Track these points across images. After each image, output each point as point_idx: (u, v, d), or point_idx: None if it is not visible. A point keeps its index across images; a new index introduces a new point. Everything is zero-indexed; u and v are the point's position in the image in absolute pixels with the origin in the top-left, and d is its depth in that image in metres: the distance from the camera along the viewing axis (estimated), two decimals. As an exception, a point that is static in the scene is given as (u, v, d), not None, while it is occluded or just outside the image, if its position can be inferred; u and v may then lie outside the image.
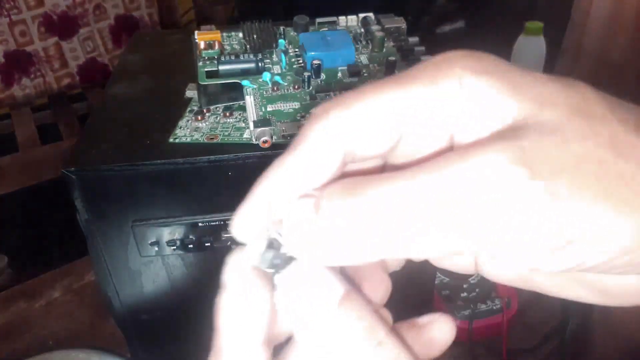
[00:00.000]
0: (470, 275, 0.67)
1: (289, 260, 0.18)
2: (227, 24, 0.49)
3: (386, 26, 0.51)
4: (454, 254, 0.16)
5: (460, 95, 0.16)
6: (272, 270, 0.18)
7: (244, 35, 0.50)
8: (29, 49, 1.47)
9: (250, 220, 0.19)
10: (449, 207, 0.14)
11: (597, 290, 0.19)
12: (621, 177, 0.14)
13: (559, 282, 0.19)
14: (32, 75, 1.50)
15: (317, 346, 0.17)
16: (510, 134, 0.15)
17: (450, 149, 0.17)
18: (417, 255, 0.16)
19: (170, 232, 0.43)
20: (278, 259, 0.18)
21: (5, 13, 1.41)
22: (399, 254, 0.15)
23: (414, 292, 0.50)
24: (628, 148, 0.15)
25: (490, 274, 0.21)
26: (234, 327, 0.18)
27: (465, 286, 0.65)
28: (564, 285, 0.19)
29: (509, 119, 0.16)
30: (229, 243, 0.43)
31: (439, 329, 0.20)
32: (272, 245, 0.18)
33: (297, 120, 0.41)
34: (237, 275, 0.18)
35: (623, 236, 0.14)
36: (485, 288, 0.65)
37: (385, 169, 0.20)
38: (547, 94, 0.16)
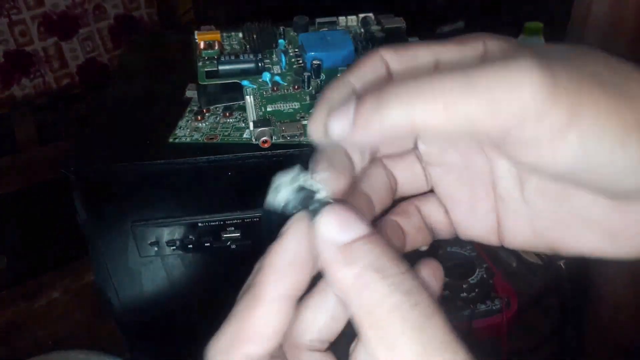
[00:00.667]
0: (470, 276, 0.67)
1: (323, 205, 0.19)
2: (227, 24, 0.49)
3: (386, 26, 0.51)
4: (467, 129, 0.17)
5: (485, 50, 0.20)
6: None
7: (243, 35, 0.50)
8: (28, 49, 1.47)
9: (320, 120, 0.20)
10: (473, 81, 0.17)
11: (608, 233, 0.21)
12: (611, 82, 0.17)
13: (572, 231, 0.21)
14: (32, 75, 1.50)
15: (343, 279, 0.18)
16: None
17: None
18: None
19: (169, 232, 0.43)
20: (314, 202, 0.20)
21: (5, 13, 1.41)
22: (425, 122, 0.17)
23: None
24: (617, 67, 0.18)
25: (510, 235, 0.24)
26: (279, 276, 0.19)
27: (465, 286, 0.65)
28: (576, 233, 0.21)
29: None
30: (228, 243, 0.43)
31: (427, 275, 0.21)
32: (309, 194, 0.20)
33: (297, 121, 0.41)
34: (297, 229, 0.20)
35: (613, 125, 0.17)
36: (485, 288, 0.65)
37: None
38: (555, 47, 0.19)
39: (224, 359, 0.19)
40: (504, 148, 0.19)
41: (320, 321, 0.21)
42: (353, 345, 0.20)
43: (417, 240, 0.24)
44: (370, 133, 0.18)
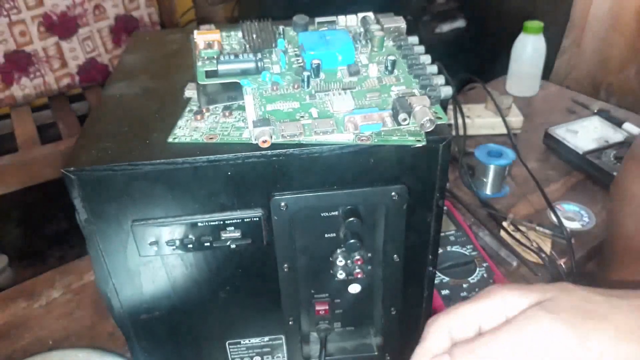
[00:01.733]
0: (471, 275, 0.67)
1: None
2: (227, 23, 0.49)
3: (386, 26, 0.51)
4: None
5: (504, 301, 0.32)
6: None
7: (243, 34, 0.50)
8: (28, 49, 1.47)
9: None
10: (519, 346, 0.29)
11: None
12: (591, 311, 0.30)
13: None
14: (32, 75, 1.51)
15: None
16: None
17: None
18: None
19: (169, 232, 0.43)
20: None
21: (5, 13, 1.41)
22: None
23: (414, 291, 0.50)
24: (590, 298, 0.31)
25: None
26: None
27: (465, 286, 0.65)
28: None
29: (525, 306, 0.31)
30: (228, 243, 0.43)
31: None
32: None
33: (297, 120, 0.41)
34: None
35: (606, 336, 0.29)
36: (485, 287, 0.65)
37: None
38: (547, 288, 0.32)
39: None
40: None
41: None
42: None
43: None
44: None
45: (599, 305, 0.30)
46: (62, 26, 1.53)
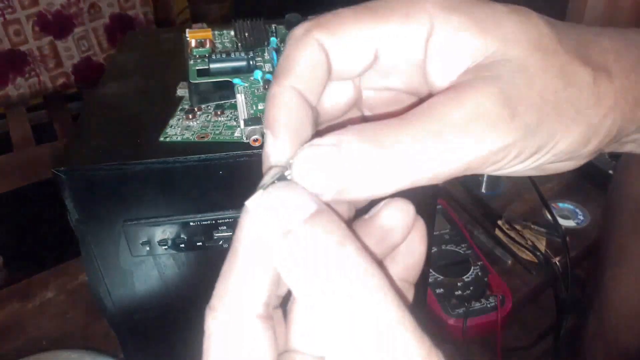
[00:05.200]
0: (465, 274, 0.67)
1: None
2: (222, 22, 0.49)
3: (378, 24, 0.51)
4: (443, 179, 0.19)
5: (432, 34, 0.19)
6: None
7: (235, 33, 0.50)
8: (23, 48, 1.47)
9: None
10: (453, 144, 0.18)
11: (540, 170, 0.23)
12: (568, 101, 0.19)
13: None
14: (27, 75, 1.50)
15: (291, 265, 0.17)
16: (486, 74, 0.19)
17: (426, 93, 0.21)
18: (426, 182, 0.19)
19: (161, 232, 0.42)
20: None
21: (0, 12, 1.40)
22: (409, 185, 0.18)
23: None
24: (572, 76, 0.19)
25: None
26: (250, 250, 0.19)
27: (459, 284, 0.65)
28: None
29: (480, 57, 0.19)
30: (220, 242, 0.43)
31: (388, 217, 0.21)
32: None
33: (289, 119, 0.41)
34: (263, 208, 0.19)
35: (571, 141, 0.20)
36: (480, 286, 0.65)
37: (366, 119, 0.24)
38: (509, 31, 0.19)
39: (214, 318, 0.19)
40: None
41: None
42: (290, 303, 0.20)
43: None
44: (353, 198, 0.18)
45: (580, 90, 0.20)
46: (57, 25, 1.53)
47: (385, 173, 0.18)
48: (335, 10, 0.20)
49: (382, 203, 0.21)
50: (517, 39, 0.19)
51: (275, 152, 0.20)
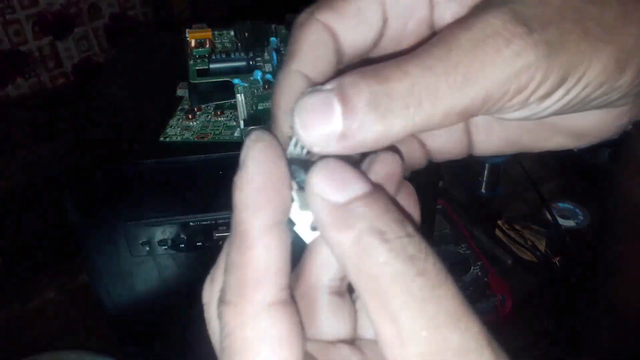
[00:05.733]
0: (465, 274, 0.67)
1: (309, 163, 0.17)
2: (222, 22, 0.50)
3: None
4: (465, 115, 0.16)
5: None
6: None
7: (235, 33, 0.50)
8: (23, 48, 1.46)
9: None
10: (465, 68, 0.16)
11: (572, 134, 0.22)
12: (592, 19, 0.17)
13: (541, 136, 0.22)
14: (27, 75, 1.50)
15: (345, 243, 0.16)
16: (494, 2, 0.17)
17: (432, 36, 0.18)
18: (437, 124, 0.17)
19: (161, 232, 0.42)
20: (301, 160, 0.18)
21: (0, 12, 1.40)
22: (425, 125, 0.16)
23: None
24: None
25: (481, 147, 0.23)
26: (256, 206, 0.17)
27: (459, 284, 0.65)
28: (545, 137, 0.22)
29: None
30: (220, 242, 0.43)
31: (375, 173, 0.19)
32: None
33: (288, 119, 0.41)
34: (264, 155, 0.17)
35: (603, 65, 0.17)
36: (479, 286, 0.65)
37: None
38: None
39: (236, 314, 0.17)
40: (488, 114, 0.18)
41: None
42: (292, 279, 0.18)
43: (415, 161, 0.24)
44: (363, 145, 0.16)
45: (603, 7, 0.17)
46: (57, 25, 1.53)
47: (392, 109, 0.16)
48: None
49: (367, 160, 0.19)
50: None
51: (283, 133, 0.19)
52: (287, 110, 0.18)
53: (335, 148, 0.16)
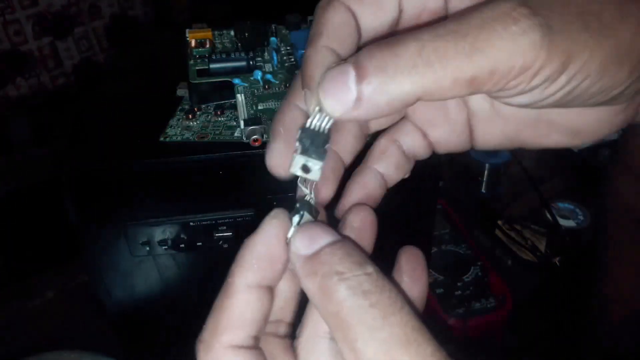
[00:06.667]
0: (465, 274, 0.67)
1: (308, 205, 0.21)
2: (222, 22, 0.50)
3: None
4: (474, 85, 0.18)
5: None
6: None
7: (235, 33, 0.50)
8: (23, 48, 1.46)
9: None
10: (473, 38, 0.17)
11: (570, 132, 0.23)
12: (592, 14, 0.18)
13: (540, 132, 0.23)
14: (27, 75, 1.50)
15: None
16: None
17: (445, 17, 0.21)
18: (445, 93, 0.18)
19: (161, 232, 0.42)
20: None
21: (0, 12, 1.40)
22: (434, 89, 0.17)
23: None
24: None
25: (482, 141, 0.25)
26: (248, 267, 0.20)
27: (459, 284, 0.65)
28: (543, 134, 0.23)
29: None
30: (220, 242, 0.43)
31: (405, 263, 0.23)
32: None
33: (288, 119, 0.41)
34: (272, 228, 0.20)
35: (603, 56, 0.18)
36: (480, 286, 0.65)
37: None
38: None
39: (207, 351, 0.20)
40: (494, 96, 0.20)
41: (276, 303, 0.22)
42: (299, 330, 0.21)
43: (398, 175, 0.25)
44: (377, 110, 0.18)
45: (603, 4, 0.19)
46: (57, 26, 1.53)
47: (401, 70, 0.17)
48: None
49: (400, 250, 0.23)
50: None
51: (312, 105, 0.20)
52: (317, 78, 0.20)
53: (352, 113, 0.18)
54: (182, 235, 0.43)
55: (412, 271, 0.22)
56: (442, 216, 0.76)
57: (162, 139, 0.41)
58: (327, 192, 0.23)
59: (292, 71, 0.45)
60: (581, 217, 0.80)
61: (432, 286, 0.65)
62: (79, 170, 0.39)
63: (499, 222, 0.77)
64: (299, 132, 0.20)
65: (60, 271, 0.76)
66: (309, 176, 0.20)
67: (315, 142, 0.20)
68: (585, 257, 0.75)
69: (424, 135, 0.25)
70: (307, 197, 0.21)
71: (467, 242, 0.71)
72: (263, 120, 0.40)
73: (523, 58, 0.17)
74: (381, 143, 0.25)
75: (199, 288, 0.47)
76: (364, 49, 0.18)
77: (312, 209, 0.21)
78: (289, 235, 0.20)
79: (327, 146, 0.20)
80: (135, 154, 0.40)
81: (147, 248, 0.43)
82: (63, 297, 0.72)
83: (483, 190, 0.87)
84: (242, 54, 0.45)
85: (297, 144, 0.20)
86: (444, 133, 0.25)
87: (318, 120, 0.20)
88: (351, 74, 0.18)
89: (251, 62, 0.45)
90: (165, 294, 0.47)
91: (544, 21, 0.17)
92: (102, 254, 0.44)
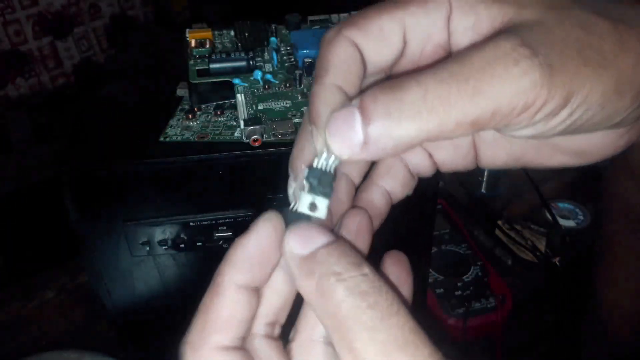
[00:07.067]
0: (465, 274, 0.67)
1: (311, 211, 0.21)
2: (223, 23, 0.50)
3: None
4: (477, 126, 0.18)
5: (451, 12, 0.20)
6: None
7: (235, 33, 0.50)
8: (23, 48, 1.46)
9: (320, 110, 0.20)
10: (475, 81, 0.17)
11: (574, 153, 0.23)
12: (591, 47, 0.19)
13: (545, 154, 0.24)
14: (27, 75, 1.50)
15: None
16: (505, 31, 0.19)
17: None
18: (449, 133, 0.18)
19: (161, 232, 0.42)
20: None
21: (0, 12, 1.40)
22: (438, 132, 0.18)
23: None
24: (591, 26, 0.19)
25: (487, 161, 0.25)
26: (238, 267, 0.20)
27: (459, 284, 0.65)
28: (548, 155, 0.24)
29: (497, 24, 0.20)
30: (220, 242, 0.43)
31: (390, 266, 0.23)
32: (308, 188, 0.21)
33: (289, 119, 0.41)
34: (264, 229, 0.20)
35: (603, 89, 0.19)
36: (480, 286, 0.65)
37: None
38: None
39: (194, 352, 0.19)
40: (497, 130, 0.20)
41: (272, 305, 0.22)
42: (292, 333, 0.21)
43: (403, 192, 0.25)
44: (382, 152, 0.18)
45: (601, 38, 0.19)
46: (57, 25, 1.53)
47: (406, 115, 0.17)
48: (360, 10, 0.21)
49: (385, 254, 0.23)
50: (531, 3, 0.20)
51: (319, 144, 0.21)
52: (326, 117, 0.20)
53: (359, 155, 0.18)
54: (182, 235, 0.43)
55: (397, 275, 0.23)
56: (442, 216, 0.76)
57: (162, 139, 0.41)
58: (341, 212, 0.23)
59: (292, 71, 0.45)
60: (581, 217, 0.80)
61: (432, 286, 0.65)
62: (79, 170, 0.39)
63: (499, 222, 0.77)
64: (307, 170, 0.21)
65: (60, 271, 0.76)
66: (316, 214, 0.21)
67: (322, 181, 0.20)
68: (585, 257, 0.75)
69: (430, 155, 0.25)
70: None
71: (467, 242, 0.72)
72: (263, 120, 0.40)
73: (525, 98, 0.18)
74: (387, 160, 0.25)
75: (199, 288, 0.47)
76: (369, 91, 0.18)
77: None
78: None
79: (333, 184, 0.21)
80: (135, 154, 0.40)
81: (147, 248, 0.43)
82: (63, 297, 0.72)
83: (483, 190, 0.87)
84: (242, 54, 0.45)
85: (305, 182, 0.21)
86: (450, 154, 0.25)
87: (325, 160, 0.20)
88: (357, 117, 0.18)
89: (251, 62, 0.45)
90: (165, 294, 0.47)
91: (544, 60, 0.18)
92: (102, 254, 0.44)
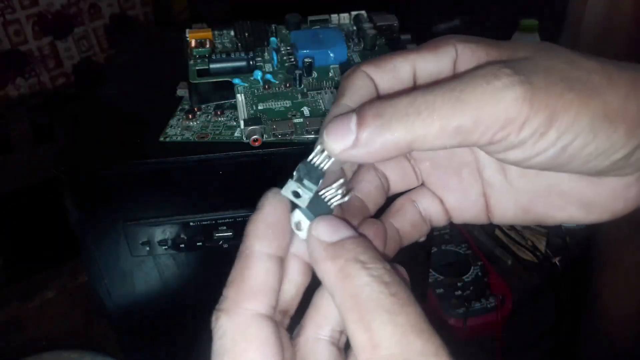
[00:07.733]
0: (465, 274, 0.67)
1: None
2: (222, 22, 0.50)
3: (378, 24, 0.51)
4: (460, 134, 0.20)
5: (457, 57, 0.23)
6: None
7: (235, 33, 0.50)
8: (23, 48, 1.46)
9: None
10: (459, 92, 0.19)
11: (583, 205, 0.24)
12: (579, 80, 0.20)
13: (554, 205, 0.25)
14: (27, 75, 1.50)
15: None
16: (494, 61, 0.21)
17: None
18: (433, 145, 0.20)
19: (161, 232, 0.42)
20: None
21: (0, 12, 1.40)
22: (423, 136, 0.20)
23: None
24: (578, 63, 0.21)
25: (499, 213, 0.26)
26: (263, 237, 0.21)
27: (459, 284, 0.65)
28: (557, 206, 0.25)
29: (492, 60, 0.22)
30: (220, 242, 0.43)
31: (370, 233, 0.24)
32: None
33: (288, 119, 0.41)
34: (274, 202, 0.22)
35: (592, 116, 0.20)
36: (480, 286, 0.65)
37: None
38: (519, 45, 0.22)
39: (230, 319, 0.20)
40: (489, 151, 0.21)
41: (285, 292, 0.23)
42: (297, 330, 0.22)
43: (413, 234, 0.27)
44: (372, 152, 0.20)
45: (589, 72, 0.20)
46: (57, 25, 1.53)
47: (395, 118, 0.20)
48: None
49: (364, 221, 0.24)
50: (525, 47, 0.22)
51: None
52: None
53: (351, 152, 0.20)
54: (182, 235, 0.43)
55: None
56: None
57: (162, 139, 0.41)
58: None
59: (292, 71, 0.45)
60: (581, 217, 0.80)
61: (432, 286, 0.65)
62: (79, 170, 0.39)
63: (499, 222, 0.77)
64: (300, 163, 0.22)
65: (60, 271, 0.76)
66: (298, 202, 0.22)
67: (310, 175, 0.22)
68: (585, 257, 0.75)
69: (441, 201, 0.27)
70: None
71: (467, 242, 0.72)
72: (263, 120, 0.40)
73: (506, 110, 0.19)
74: (398, 201, 0.27)
75: (199, 287, 0.47)
76: (369, 100, 0.21)
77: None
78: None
79: (320, 181, 0.22)
80: (135, 154, 0.40)
81: (147, 248, 0.43)
82: (63, 297, 0.72)
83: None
84: (242, 54, 0.45)
85: (295, 172, 0.22)
86: (459, 199, 0.26)
87: (319, 158, 0.22)
88: (353, 119, 0.20)
89: (251, 62, 0.45)
90: (165, 294, 0.47)
91: (526, 79, 0.19)
92: (102, 254, 0.44)
